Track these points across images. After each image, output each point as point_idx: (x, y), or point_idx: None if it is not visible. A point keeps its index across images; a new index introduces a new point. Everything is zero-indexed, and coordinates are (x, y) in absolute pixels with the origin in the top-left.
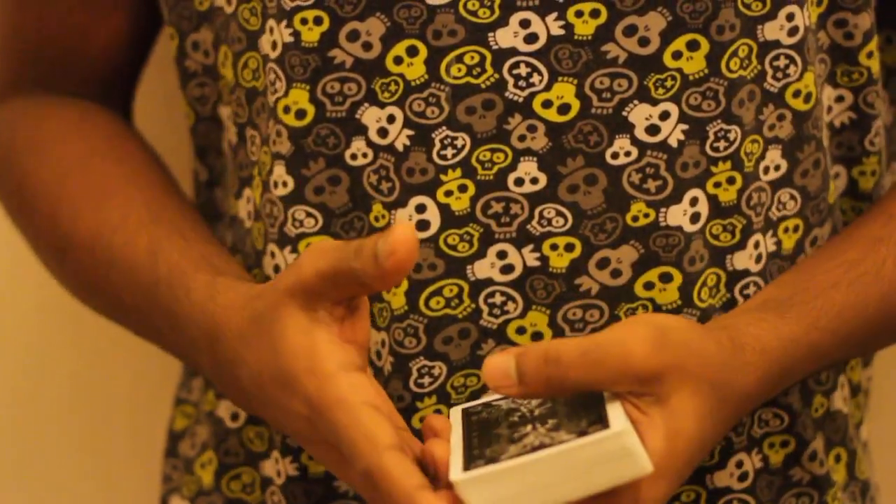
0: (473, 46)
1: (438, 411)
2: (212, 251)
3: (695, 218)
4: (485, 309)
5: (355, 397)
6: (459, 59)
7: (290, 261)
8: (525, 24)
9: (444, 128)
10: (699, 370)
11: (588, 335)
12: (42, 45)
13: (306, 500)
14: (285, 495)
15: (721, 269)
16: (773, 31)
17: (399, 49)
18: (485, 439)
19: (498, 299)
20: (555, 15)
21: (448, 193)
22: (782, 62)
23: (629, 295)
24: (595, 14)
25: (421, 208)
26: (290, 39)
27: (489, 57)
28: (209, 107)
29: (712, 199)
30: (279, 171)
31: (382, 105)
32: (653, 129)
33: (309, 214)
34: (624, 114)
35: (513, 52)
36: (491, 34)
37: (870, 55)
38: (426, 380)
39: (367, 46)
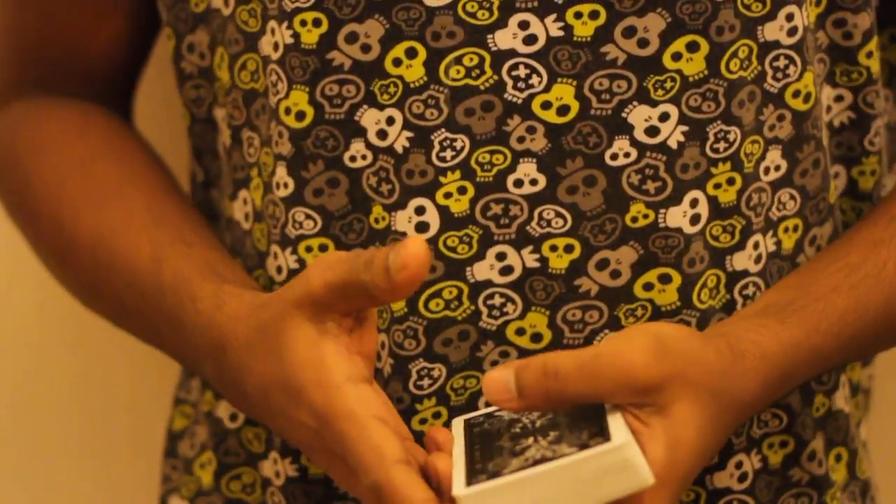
0: (472, 48)
1: (438, 413)
2: (215, 256)
3: (695, 219)
4: (484, 310)
5: (363, 410)
6: (458, 60)
7: (290, 262)
8: (524, 25)
9: (443, 129)
10: (699, 379)
11: (587, 347)
12: (43, 47)
13: (306, 500)
14: (285, 496)
15: (721, 271)
16: (773, 31)
17: (398, 51)
18: (486, 452)
19: (497, 301)
20: (554, 16)
21: (447, 195)
22: (782, 62)
23: (628, 296)
24: (594, 15)
25: (420, 210)
26: (290, 41)
27: (488, 58)
28: (204, 109)
29: (712, 201)
30: (280, 172)
31: (381, 107)
32: (652, 131)
33: (308, 216)
34: (623, 115)
35: (512, 53)
36: (490, 36)
37: (869, 55)
38: (426, 381)
39: (366, 48)
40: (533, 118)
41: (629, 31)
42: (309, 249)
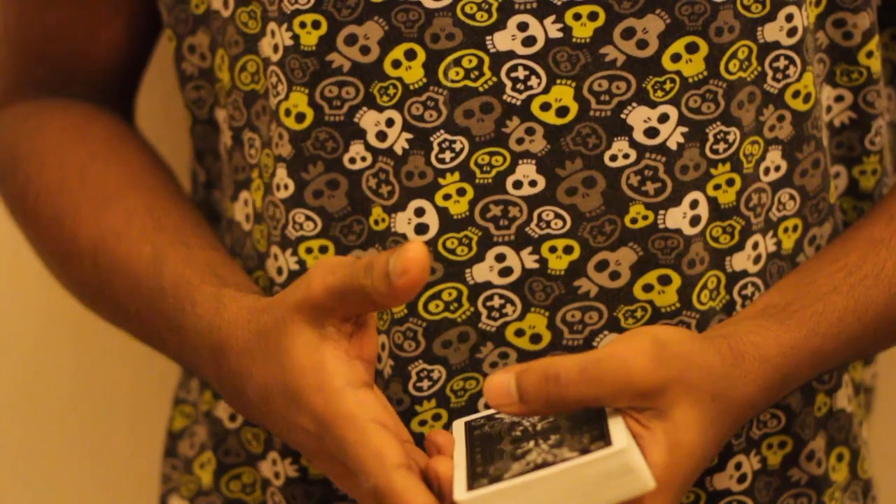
0: (471, 50)
1: (438, 415)
2: (216, 259)
3: (695, 221)
4: (484, 312)
5: (363, 414)
6: (457, 62)
7: (290, 263)
8: (523, 27)
9: (442, 131)
10: (700, 382)
11: (587, 351)
12: (44, 48)
13: (306, 501)
14: (285, 496)
15: (721, 271)
16: (772, 32)
17: (397, 53)
18: (487, 456)
19: (497, 302)
20: (553, 18)
21: (447, 197)
22: (782, 63)
23: (628, 297)
24: (593, 17)
25: (420, 212)
26: (290, 43)
27: (487, 60)
28: (206, 110)
29: (712, 202)
30: (281, 173)
31: (381, 109)
32: (651, 132)
33: (308, 218)
34: (622, 116)
35: (511, 55)
36: (489, 37)
37: (869, 55)
38: (425, 383)
39: (365, 50)
40: (532, 119)
41: (628, 33)
42: (309, 251)
